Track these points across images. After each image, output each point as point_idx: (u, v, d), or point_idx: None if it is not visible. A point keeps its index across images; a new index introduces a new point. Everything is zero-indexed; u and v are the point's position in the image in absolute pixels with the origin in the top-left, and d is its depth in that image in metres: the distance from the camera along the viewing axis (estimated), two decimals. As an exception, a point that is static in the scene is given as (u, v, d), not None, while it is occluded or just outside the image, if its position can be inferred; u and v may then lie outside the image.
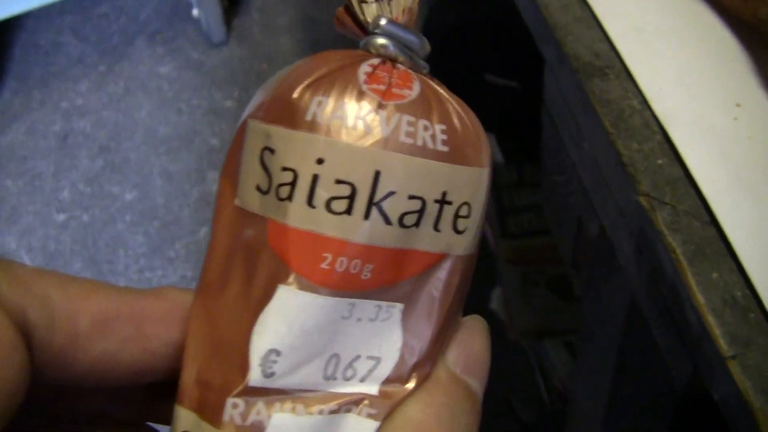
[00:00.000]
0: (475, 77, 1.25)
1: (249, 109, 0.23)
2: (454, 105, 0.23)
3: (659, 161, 0.43)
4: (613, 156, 0.43)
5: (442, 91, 0.23)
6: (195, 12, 1.77)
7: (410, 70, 0.23)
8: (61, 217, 1.69)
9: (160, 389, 0.24)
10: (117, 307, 0.22)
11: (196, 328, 0.22)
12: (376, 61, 0.22)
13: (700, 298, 0.38)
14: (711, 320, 0.38)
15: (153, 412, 0.25)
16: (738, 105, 0.45)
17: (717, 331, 0.37)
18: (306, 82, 0.22)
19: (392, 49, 0.23)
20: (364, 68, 0.22)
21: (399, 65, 0.23)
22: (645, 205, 0.41)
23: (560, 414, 1.01)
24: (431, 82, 0.23)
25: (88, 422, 0.25)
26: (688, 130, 0.43)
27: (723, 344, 0.37)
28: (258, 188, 0.22)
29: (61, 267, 1.58)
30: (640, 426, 0.74)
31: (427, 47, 0.24)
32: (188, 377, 0.22)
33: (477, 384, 0.23)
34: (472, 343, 0.23)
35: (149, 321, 0.22)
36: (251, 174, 0.22)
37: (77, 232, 1.66)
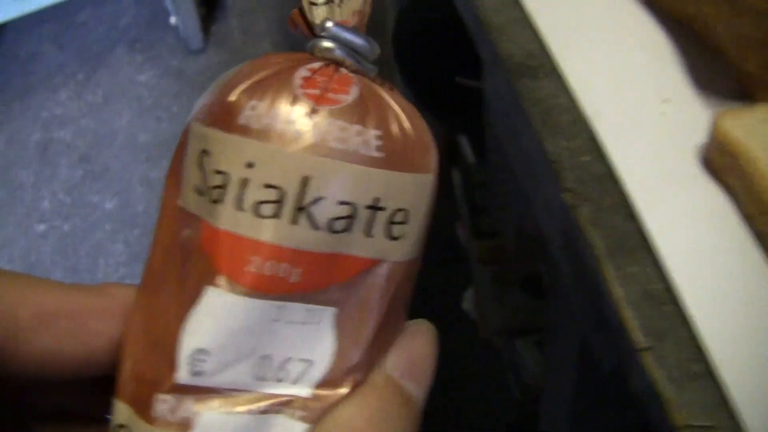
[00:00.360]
0: (447, 79, 1.26)
1: (193, 111, 0.23)
2: (395, 110, 0.22)
3: (585, 158, 0.43)
4: (541, 154, 0.44)
5: (385, 95, 0.23)
6: (173, 20, 1.78)
7: (352, 74, 0.23)
8: (42, 227, 1.69)
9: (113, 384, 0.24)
10: (58, 303, 0.22)
11: (135, 323, 0.23)
12: (317, 65, 0.22)
13: (618, 292, 0.39)
14: (627, 313, 0.38)
15: (91, 403, 0.26)
16: (665, 101, 0.45)
17: (633, 323, 0.38)
18: (243, 86, 0.22)
19: (337, 53, 0.23)
20: (302, 72, 0.22)
21: (343, 69, 0.23)
22: (568, 201, 0.42)
23: (534, 412, 1.02)
24: (376, 87, 0.23)
25: (51, 419, 0.25)
26: (615, 126, 0.44)
27: (639, 336, 0.38)
28: (196, 189, 0.22)
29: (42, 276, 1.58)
30: (608, 419, 0.75)
31: (377, 51, 0.24)
32: (125, 371, 0.23)
33: (416, 389, 0.23)
34: (413, 348, 0.23)
35: (90, 316, 0.23)
36: (191, 175, 0.22)
37: (58, 241, 1.66)
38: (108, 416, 0.25)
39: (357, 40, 0.23)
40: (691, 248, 0.39)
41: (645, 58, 0.47)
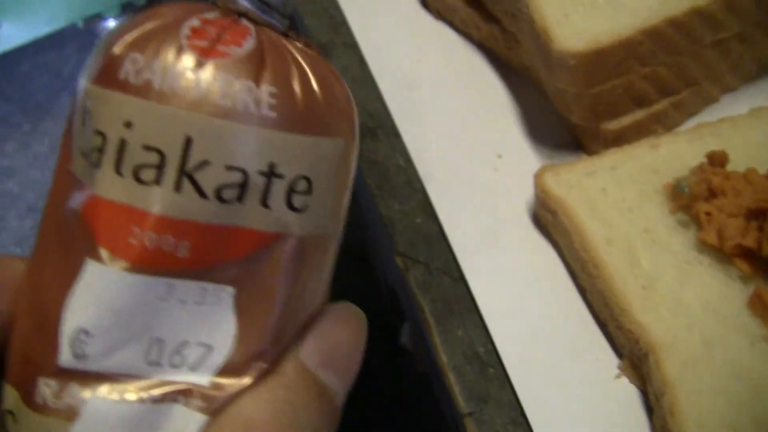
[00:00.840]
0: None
1: (83, 67, 0.21)
2: (302, 67, 0.20)
3: (418, 219, 0.44)
4: (378, 216, 0.44)
5: (292, 50, 0.21)
6: (114, 65, 1.78)
7: (250, 25, 0.20)
8: (-8, 280, 1.68)
9: None
10: None
11: (24, 298, 0.21)
12: (211, 15, 0.20)
13: (442, 357, 0.39)
14: (451, 378, 0.38)
15: None
16: (499, 156, 0.46)
17: (456, 389, 0.38)
18: (128, 38, 0.20)
19: (242, 3, 0.21)
20: (192, 22, 0.20)
21: (243, 20, 0.21)
22: (400, 264, 0.42)
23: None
24: (282, 41, 0.21)
25: None
26: (447, 186, 0.44)
27: (461, 402, 0.38)
28: (81, 152, 0.20)
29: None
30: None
31: (291, 4, 0.22)
32: (13, 352, 0.21)
33: (335, 380, 0.21)
34: (333, 334, 0.21)
35: None
36: (77, 136, 0.20)
37: (8, 294, 1.65)
38: None
39: None
40: (514, 308, 0.40)
41: (482, 113, 0.47)
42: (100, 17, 1.66)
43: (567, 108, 0.43)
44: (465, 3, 0.50)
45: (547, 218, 0.41)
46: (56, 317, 0.19)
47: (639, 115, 0.44)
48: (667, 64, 0.43)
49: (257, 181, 0.19)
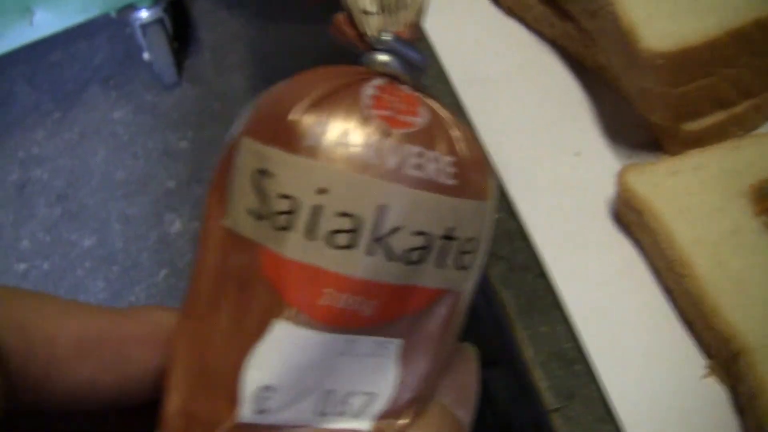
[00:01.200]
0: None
1: (241, 125, 0.21)
2: (457, 131, 0.21)
3: (496, 215, 0.44)
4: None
5: (444, 115, 0.21)
6: (146, 55, 1.79)
7: (417, 94, 0.21)
8: (22, 266, 1.69)
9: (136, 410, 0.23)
10: (97, 330, 0.21)
11: (182, 353, 0.21)
12: (380, 81, 0.21)
13: (528, 353, 0.39)
14: (537, 374, 0.39)
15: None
16: (577, 154, 0.46)
17: (542, 384, 0.38)
18: (306, 102, 0.20)
19: (396, 67, 0.21)
20: (369, 90, 0.21)
21: (402, 86, 0.21)
22: (481, 260, 0.42)
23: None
24: (435, 106, 0.22)
25: None
26: (526, 182, 0.44)
27: (548, 397, 0.38)
28: (251, 212, 0.20)
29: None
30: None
31: (427, 63, 0.22)
32: (172, 406, 0.21)
33: (465, 415, 0.23)
34: (463, 375, 0.23)
35: (130, 344, 0.21)
36: (243, 196, 0.20)
37: (38, 281, 1.66)
38: None
39: (414, 54, 0.22)
40: (599, 305, 0.40)
41: (557, 110, 0.48)
42: (133, 7, 1.67)
43: (648, 107, 0.43)
44: (539, 0, 0.50)
45: (630, 217, 0.41)
46: (233, 374, 0.20)
47: (719, 116, 0.44)
48: (749, 65, 0.43)
49: (437, 244, 0.20)
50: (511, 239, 0.43)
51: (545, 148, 0.46)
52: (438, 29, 0.52)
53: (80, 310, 0.21)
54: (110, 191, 1.75)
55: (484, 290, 0.43)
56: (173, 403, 0.21)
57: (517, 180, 0.44)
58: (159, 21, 1.67)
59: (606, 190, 0.43)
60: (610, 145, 0.46)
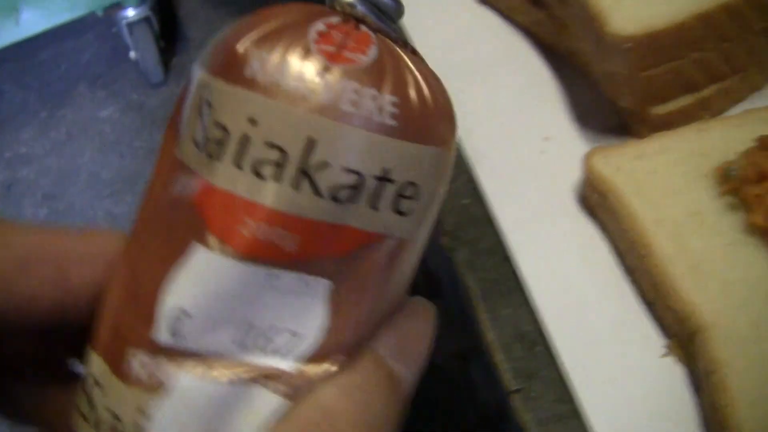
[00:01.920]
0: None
1: (199, 57, 0.21)
2: (416, 76, 0.21)
3: (464, 201, 0.44)
4: (424, 196, 0.44)
5: (406, 59, 0.21)
6: (132, 54, 1.78)
7: (372, 33, 0.21)
8: (7, 266, 1.69)
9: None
10: (41, 247, 0.21)
11: (119, 272, 0.22)
12: (335, 19, 0.21)
13: (490, 335, 0.39)
14: (499, 356, 0.39)
15: (71, 352, 0.24)
16: (546, 139, 0.46)
17: (504, 366, 0.38)
18: (254, 35, 0.20)
19: (359, 9, 0.21)
20: (318, 26, 0.20)
21: (363, 27, 0.21)
22: (446, 245, 0.42)
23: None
24: (397, 49, 0.21)
25: (24, 372, 0.24)
26: (494, 167, 0.44)
27: (508, 378, 0.38)
28: (194, 141, 0.20)
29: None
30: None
31: (402, 10, 0.22)
32: (103, 321, 0.21)
33: (406, 372, 0.22)
34: (407, 328, 0.22)
35: (72, 260, 0.22)
36: (190, 126, 0.21)
37: (23, 280, 1.65)
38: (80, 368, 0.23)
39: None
40: (562, 288, 0.40)
41: (528, 96, 0.48)
42: (119, 6, 1.66)
43: (616, 92, 0.43)
44: (510, -12, 0.50)
45: (595, 200, 0.42)
46: (154, 294, 0.20)
47: (687, 100, 0.44)
48: (717, 50, 0.43)
49: (371, 185, 0.20)
50: (477, 224, 0.43)
51: (515, 133, 0.46)
52: (412, 16, 0.52)
53: (23, 228, 0.21)
54: (97, 190, 1.75)
55: (450, 274, 0.43)
56: (104, 319, 0.22)
57: (486, 165, 0.44)
58: (146, 20, 1.67)
59: (574, 174, 0.43)
60: (579, 129, 0.46)
